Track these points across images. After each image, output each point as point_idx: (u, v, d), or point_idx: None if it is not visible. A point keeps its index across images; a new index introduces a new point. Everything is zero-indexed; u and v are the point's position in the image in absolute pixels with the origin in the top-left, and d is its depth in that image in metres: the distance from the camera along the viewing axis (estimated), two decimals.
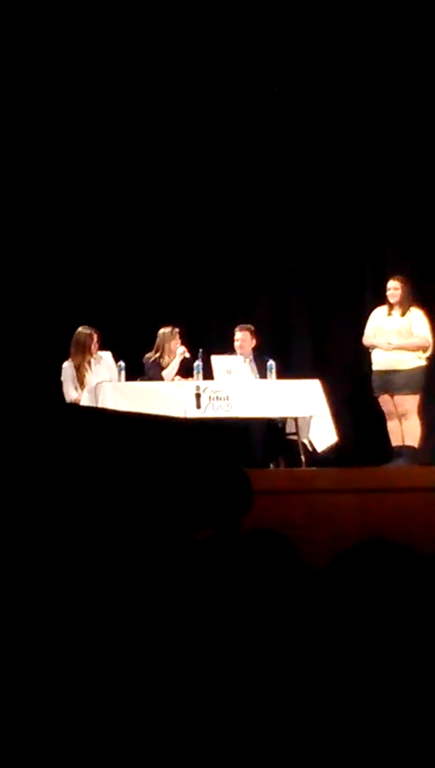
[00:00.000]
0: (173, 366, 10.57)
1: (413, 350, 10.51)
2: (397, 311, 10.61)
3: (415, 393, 10.50)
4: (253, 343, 10.85)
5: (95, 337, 10.51)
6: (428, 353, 10.54)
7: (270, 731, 2.35)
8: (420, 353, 10.52)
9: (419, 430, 10.53)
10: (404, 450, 10.49)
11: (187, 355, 10.49)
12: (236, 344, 10.78)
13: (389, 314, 10.64)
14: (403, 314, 10.58)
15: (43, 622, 2.52)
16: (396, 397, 10.53)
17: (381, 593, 2.51)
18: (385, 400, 10.63)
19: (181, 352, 10.57)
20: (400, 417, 10.52)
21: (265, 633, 2.47)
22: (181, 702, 2.39)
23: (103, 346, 10.60)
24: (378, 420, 10.79)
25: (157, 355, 10.67)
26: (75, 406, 9.26)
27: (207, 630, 2.50)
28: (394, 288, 10.61)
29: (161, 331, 10.70)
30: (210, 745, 2.33)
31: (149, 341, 10.76)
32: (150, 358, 10.67)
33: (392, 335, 10.55)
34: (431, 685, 2.33)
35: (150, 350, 10.72)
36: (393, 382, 10.52)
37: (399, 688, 2.32)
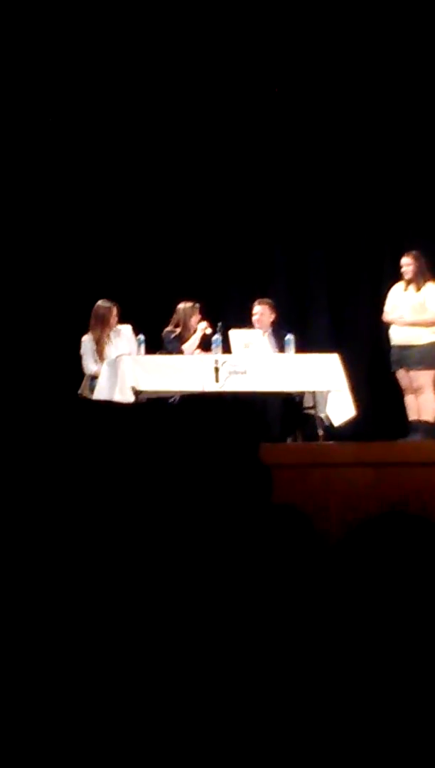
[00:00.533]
0: (194, 340, 10.61)
1: (427, 326, 10.53)
2: (412, 287, 10.64)
3: (429, 368, 10.51)
4: (272, 317, 10.87)
5: (114, 310, 10.55)
6: None
7: (283, 707, 2.39)
8: (434, 329, 10.54)
9: (434, 405, 10.56)
10: (420, 425, 10.53)
11: (209, 330, 10.53)
12: (254, 318, 10.80)
13: (405, 290, 10.68)
14: (418, 289, 10.60)
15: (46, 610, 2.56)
16: (411, 373, 10.57)
17: (399, 564, 2.54)
18: (401, 375, 10.67)
19: (202, 327, 10.59)
20: (416, 392, 10.56)
21: (282, 609, 2.51)
22: (193, 673, 2.43)
23: (122, 320, 10.65)
24: (396, 395, 10.83)
25: (177, 329, 10.70)
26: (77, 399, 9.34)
27: (222, 606, 2.54)
28: (406, 264, 10.64)
29: (181, 305, 10.73)
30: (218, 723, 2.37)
31: (167, 315, 10.79)
32: (170, 332, 10.70)
33: (406, 310, 10.58)
34: None
35: (169, 324, 10.76)
36: (408, 357, 10.55)
37: (416, 662, 2.36)
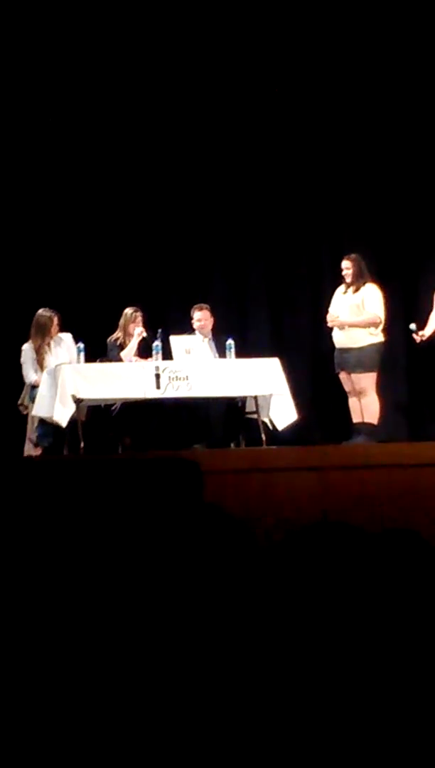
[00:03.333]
0: (131, 347, 10.59)
1: (364, 327, 10.55)
2: (351, 288, 10.67)
3: (368, 371, 10.54)
4: (212, 322, 10.87)
5: (55, 319, 10.51)
6: (380, 329, 10.58)
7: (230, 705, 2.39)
8: (372, 329, 10.55)
9: (377, 407, 10.59)
10: (363, 427, 10.55)
11: (145, 335, 10.51)
12: (199, 324, 10.78)
13: (344, 292, 10.72)
14: (356, 291, 10.64)
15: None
16: (352, 376, 10.59)
17: (327, 573, 2.55)
18: (344, 378, 10.69)
19: (138, 332, 10.58)
20: (358, 394, 10.58)
21: (212, 610, 2.51)
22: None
23: (63, 328, 10.60)
24: (339, 397, 10.85)
25: (119, 336, 10.68)
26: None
27: (159, 610, 2.54)
28: (346, 267, 10.68)
29: (124, 311, 10.73)
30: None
31: (109, 322, 10.77)
32: (113, 339, 10.69)
33: (344, 312, 10.61)
34: (373, 661, 2.37)
35: (114, 331, 10.74)
36: (347, 360, 10.58)
37: (341, 664, 2.37)
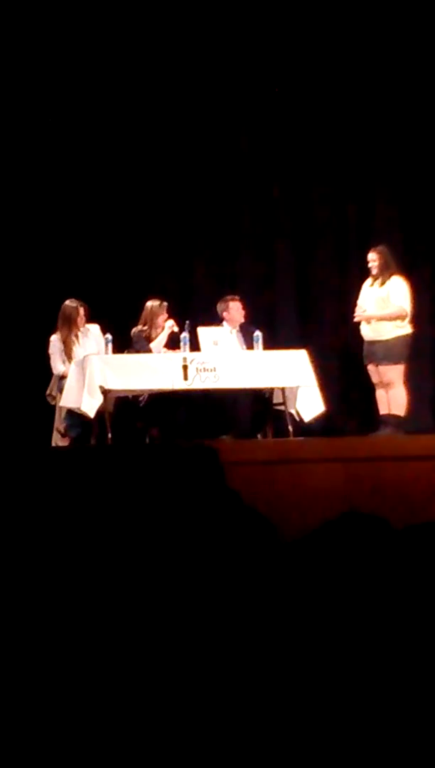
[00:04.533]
0: (161, 339, 10.59)
1: (391, 320, 10.53)
2: (377, 281, 10.66)
3: (396, 363, 10.51)
4: (242, 314, 10.86)
5: (81, 310, 10.52)
6: (406, 321, 10.56)
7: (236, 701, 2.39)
8: (399, 322, 10.54)
9: (405, 399, 10.57)
10: (390, 419, 10.53)
11: (176, 329, 10.51)
12: (231, 314, 10.77)
13: (371, 285, 10.69)
14: (383, 284, 10.62)
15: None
16: (380, 367, 10.58)
17: (352, 566, 2.55)
18: (372, 370, 10.68)
19: (169, 325, 10.57)
20: (386, 386, 10.57)
21: (230, 602, 2.51)
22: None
23: (91, 319, 10.62)
24: (366, 389, 10.84)
25: (145, 328, 10.68)
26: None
27: (180, 605, 2.54)
28: (372, 260, 10.65)
29: (149, 304, 10.71)
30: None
31: (135, 314, 10.77)
32: (138, 331, 10.69)
33: (370, 305, 10.59)
34: (397, 655, 2.37)
35: (137, 323, 10.74)
36: (375, 352, 10.56)
37: (365, 658, 2.36)
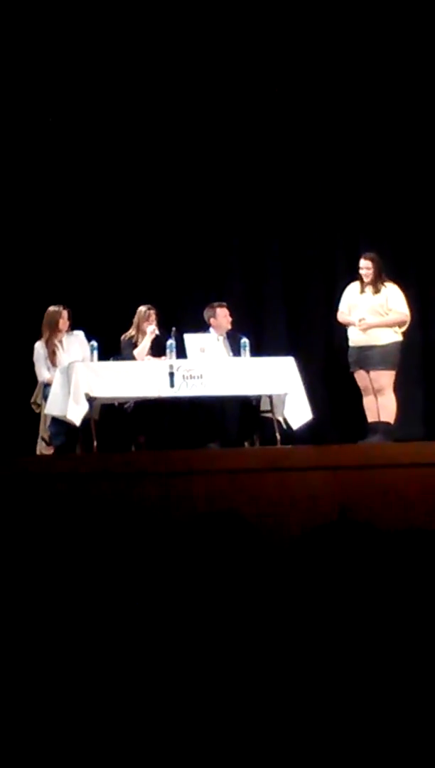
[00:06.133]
0: (144, 345, 10.53)
1: (391, 326, 10.50)
2: (370, 289, 10.60)
3: (391, 369, 10.50)
4: (229, 320, 10.81)
5: (65, 313, 10.47)
6: (405, 327, 10.54)
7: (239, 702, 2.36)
8: (396, 328, 10.52)
9: (394, 406, 10.53)
10: (380, 426, 10.49)
11: (157, 333, 10.46)
12: (219, 320, 10.72)
13: (362, 292, 10.63)
14: (377, 291, 10.57)
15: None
16: (372, 373, 10.53)
17: (341, 573, 2.52)
18: (361, 376, 10.63)
19: (150, 331, 10.53)
20: (376, 393, 10.52)
21: (222, 610, 2.48)
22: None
23: (77, 325, 10.56)
24: (354, 396, 10.79)
25: (133, 334, 10.64)
26: None
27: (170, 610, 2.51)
28: (366, 267, 10.60)
29: (138, 310, 10.69)
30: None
31: (122, 320, 10.73)
32: (127, 337, 10.64)
33: (366, 313, 10.54)
34: (386, 658, 2.34)
35: (125, 329, 10.70)
36: (369, 358, 10.51)
37: (354, 662, 2.33)
